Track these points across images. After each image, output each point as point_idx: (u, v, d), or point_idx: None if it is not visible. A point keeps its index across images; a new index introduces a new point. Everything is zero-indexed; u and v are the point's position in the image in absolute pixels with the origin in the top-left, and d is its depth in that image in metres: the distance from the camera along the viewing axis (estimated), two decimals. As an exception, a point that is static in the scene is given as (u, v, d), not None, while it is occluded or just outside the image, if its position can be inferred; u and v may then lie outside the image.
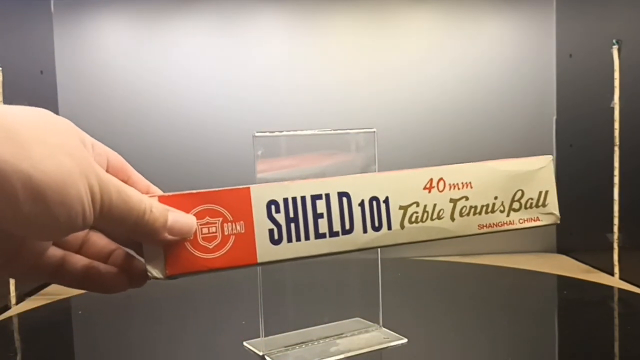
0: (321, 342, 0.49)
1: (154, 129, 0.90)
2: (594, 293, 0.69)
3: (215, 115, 0.91)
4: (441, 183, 0.33)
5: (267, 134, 0.43)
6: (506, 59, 0.94)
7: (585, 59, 0.87)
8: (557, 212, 0.36)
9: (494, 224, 0.34)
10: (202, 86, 0.91)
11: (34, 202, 0.22)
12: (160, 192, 0.30)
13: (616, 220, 0.76)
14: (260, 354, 0.46)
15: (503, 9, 0.95)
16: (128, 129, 0.88)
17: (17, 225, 0.23)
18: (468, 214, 0.33)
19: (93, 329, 0.61)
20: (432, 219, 0.33)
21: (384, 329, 0.51)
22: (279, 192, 0.30)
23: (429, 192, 0.32)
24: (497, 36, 0.95)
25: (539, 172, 0.35)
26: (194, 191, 0.29)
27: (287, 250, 0.30)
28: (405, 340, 0.49)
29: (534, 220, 0.35)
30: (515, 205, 0.34)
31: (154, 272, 0.28)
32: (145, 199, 0.27)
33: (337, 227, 0.31)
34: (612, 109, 0.75)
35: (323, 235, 0.31)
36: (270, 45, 0.93)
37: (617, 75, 0.75)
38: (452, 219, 0.33)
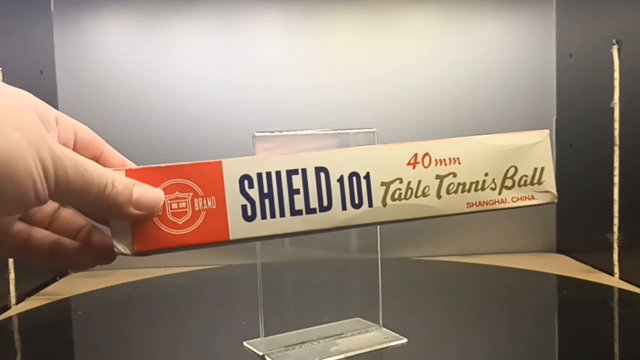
0: (321, 342, 0.49)
1: (153, 129, 0.90)
2: (594, 293, 0.69)
3: (215, 115, 0.91)
4: (427, 158, 0.31)
5: (267, 133, 0.43)
6: (506, 59, 0.94)
7: (585, 58, 0.87)
8: (554, 191, 0.33)
9: (484, 202, 0.32)
10: (202, 86, 0.91)
11: None
12: (132, 166, 0.29)
13: (616, 220, 0.76)
14: (260, 354, 0.46)
15: (503, 9, 0.95)
16: (128, 128, 0.88)
17: None
18: (456, 192, 0.31)
19: (93, 329, 0.61)
20: (416, 196, 0.31)
21: (384, 329, 0.51)
22: (252, 166, 0.29)
23: (414, 167, 0.31)
24: (497, 36, 0.95)
25: (534, 147, 0.33)
26: (163, 165, 0.28)
27: (261, 227, 0.29)
28: (405, 340, 0.49)
29: (529, 199, 0.33)
30: (508, 182, 0.32)
31: (121, 247, 0.27)
32: (106, 172, 0.26)
33: (314, 203, 0.29)
34: (612, 109, 0.75)
35: (299, 212, 0.29)
36: (270, 45, 0.93)
37: (617, 75, 0.75)
38: (439, 196, 0.31)
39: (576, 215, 0.89)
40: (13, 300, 0.70)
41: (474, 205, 0.32)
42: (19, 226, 0.28)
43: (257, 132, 0.43)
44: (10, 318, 0.64)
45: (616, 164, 0.75)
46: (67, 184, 0.24)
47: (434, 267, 0.85)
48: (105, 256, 0.28)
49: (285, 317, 0.53)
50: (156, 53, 0.91)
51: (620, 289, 0.70)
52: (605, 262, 0.78)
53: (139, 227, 0.27)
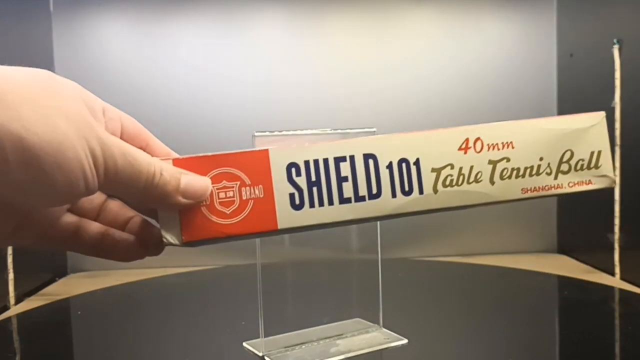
0: (321, 342, 0.49)
1: (153, 128, 0.89)
2: (594, 293, 0.69)
3: (215, 114, 0.91)
4: (478, 143, 0.30)
5: (267, 133, 0.43)
6: (506, 59, 0.94)
7: (586, 58, 0.87)
8: (612, 175, 0.32)
9: (540, 187, 0.31)
10: (202, 85, 0.91)
11: (27, 166, 0.21)
12: (176, 155, 0.28)
13: (617, 221, 0.76)
14: (260, 354, 0.46)
15: (503, 9, 0.95)
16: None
17: (11, 191, 0.22)
18: (510, 177, 0.30)
19: (93, 329, 0.61)
20: (468, 183, 0.30)
21: (384, 329, 0.51)
22: (299, 154, 0.28)
23: (465, 153, 0.30)
24: (498, 35, 0.95)
25: (590, 130, 0.31)
26: (210, 154, 0.27)
27: (310, 216, 0.28)
28: (405, 340, 0.49)
29: (586, 184, 0.32)
30: (564, 167, 0.31)
31: (170, 238, 0.27)
32: (154, 161, 0.26)
33: (363, 191, 0.29)
34: (613, 108, 0.75)
35: (348, 200, 0.28)
36: (270, 44, 0.93)
37: (618, 74, 0.75)
38: (492, 182, 0.30)
39: (577, 216, 0.89)
40: (12, 300, 0.70)
41: (529, 191, 0.31)
42: (68, 218, 0.28)
43: (257, 132, 0.42)
44: (9, 318, 0.64)
45: (617, 163, 0.74)
46: (116, 173, 0.24)
47: (434, 267, 0.85)
48: (153, 247, 0.28)
49: (285, 318, 0.53)
50: (156, 53, 0.90)
51: (621, 290, 0.70)
52: (606, 263, 0.78)
53: (186, 217, 0.27)
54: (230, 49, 0.92)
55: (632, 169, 0.74)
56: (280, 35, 0.93)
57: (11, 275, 0.70)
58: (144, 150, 0.29)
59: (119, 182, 0.24)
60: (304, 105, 0.92)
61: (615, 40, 0.75)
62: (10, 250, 0.70)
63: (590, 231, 0.86)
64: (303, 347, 0.48)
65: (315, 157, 0.28)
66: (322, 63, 0.93)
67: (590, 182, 0.32)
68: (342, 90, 0.92)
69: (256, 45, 0.92)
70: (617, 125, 0.75)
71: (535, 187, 0.31)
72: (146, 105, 0.89)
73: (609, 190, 0.74)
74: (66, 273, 0.88)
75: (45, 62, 0.84)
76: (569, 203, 0.90)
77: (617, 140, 0.74)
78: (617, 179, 0.75)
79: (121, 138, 0.28)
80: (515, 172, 0.30)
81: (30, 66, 0.24)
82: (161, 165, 0.26)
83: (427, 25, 0.94)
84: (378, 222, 0.49)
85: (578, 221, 0.89)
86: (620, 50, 0.75)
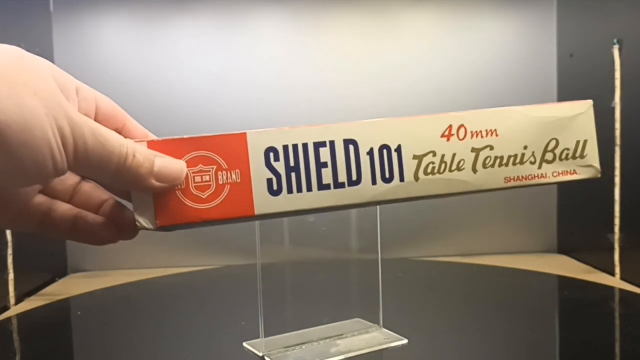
0: (321, 342, 0.48)
1: (153, 128, 0.89)
2: (594, 293, 0.69)
3: (215, 114, 0.91)
4: (462, 130, 0.30)
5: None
6: (506, 59, 0.94)
7: (586, 58, 0.87)
8: (597, 165, 0.31)
9: (523, 177, 0.30)
10: (201, 85, 0.91)
11: None
12: (154, 138, 0.28)
13: (617, 220, 0.76)
14: (260, 354, 0.46)
15: (503, 9, 0.95)
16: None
17: None
18: (493, 165, 0.30)
19: (93, 329, 0.61)
20: (450, 171, 0.29)
21: (384, 329, 0.51)
22: (278, 138, 0.27)
23: (448, 140, 0.29)
24: (498, 36, 0.95)
25: (576, 118, 0.31)
26: (186, 136, 0.27)
27: (287, 201, 0.28)
28: (405, 340, 0.49)
29: (570, 174, 0.31)
30: (549, 156, 0.30)
31: (144, 221, 0.26)
32: (127, 142, 0.25)
33: (342, 177, 0.28)
34: (613, 108, 0.75)
35: (327, 187, 0.28)
36: (269, 43, 0.93)
37: (618, 74, 0.75)
38: (474, 170, 0.29)
39: (577, 216, 0.89)
40: (12, 300, 0.70)
41: (512, 180, 0.30)
42: (40, 198, 0.27)
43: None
44: (9, 318, 0.64)
45: (617, 163, 0.74)
46: (86, 153, 0.23)
47: (434, 267, 0.85)
48: (126, 231, 0.28)
49: (285, 318, 0.53)
50: (156, 53, 0.90)
51: (621, 290, 0.70)
52: (606, 263, 0.78)
53: (161, 201, 0.26)
54: (229, 49, 0.91)
55: (632, 169, 0.74)
56: (280, 36, 0.93)
57: (11, 275, 0.70)
58: (120, 132, 0.28)
59: (90, 162, 0.24)
60: (304, 105, 0.92)
61: (615, 40, 0.75)
62: (10, 250, 0.70)
63: (590, 231, 0.86)
64: (303, 347, 0.48)
65: (295, 142, 0.28)
66: (322, 63, 0.93)
67: (574, 171, 0.31)
68: (342, 91, 0.92)
69: (255, 45, 0.92)
70: (617, 125, 0.75)
71: (518, 177, 0.30)
72: (146, 105, 0.89)
73: (609, 191, 0.74)
74: (66, 273, 0.88)
75: (45, 62, 0.84)
76: (569, 203, 0.90)
77: (617, 140, 0.74)
78: (617, 179, 0.75)
79: (96, 119, 0.27)
80: (498, 161, 0.30)
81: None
82: (134, 147, 0.25)
83: (426, 25, 0.94)
84: (378, 222, 0.49)
85: (578, 221, 0.89)
86: (620, 50, 0.75)
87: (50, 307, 0.68)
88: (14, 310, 0.68)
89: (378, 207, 0.47)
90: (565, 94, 0.92)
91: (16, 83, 0.21)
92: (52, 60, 0.86)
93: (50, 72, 0.24)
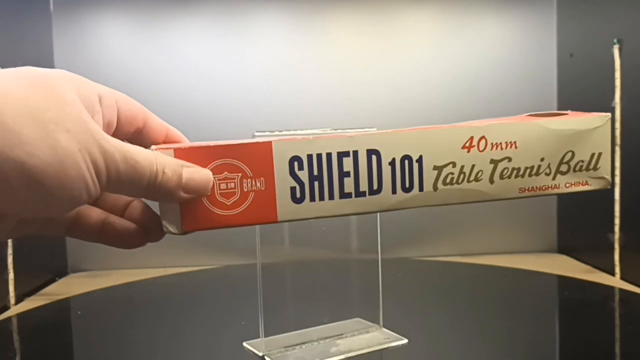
0: (321, 342, 0.48)
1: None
2: (595, 293, 0.69)
3: (215, 115, 0.91)
4: (482, 142, 0.30)
5: (267, 133, 0.43)
6: (506, 59, 0.94)
7: (586, 58, 0.87)
8: (608, 177, 0.32)
9: (537, 187, 0.31)
10: (202, 86, 0.91)
11: (30, 189, 0.21)
12: (179, 135, 0.28)
13: (617, 220, 0.76)
14: (260, 354, 0.46)
15: (503, 9, 0.95)
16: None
17: (15, 210, 0.22)
18: (509, 177, 0.30)
19: (93, 329, 0.61)
20: (468, 181, 0.30)
21: (384, 329, 0.51)
22: (302, 147, 0.28)
23: (468, 151, 0.29)
24: (498, 36, 0.95)
25: (593, 132, 0.31)
26: (212, 144, 0.27)
27: (309, 209, 0.28)
28: (405, 340, 0.49)
29: (582, 185, 0.32)
30: (563, 167, 0.31)
31: (170, 227, 0.27)
32: (156, 159, 0.25)
33: (364, 186, 0.29)
34: (613, 108, 0.75)
35: (348, 195, 0.28)
36: (271, 45, 0.93)
37: (618, 74, 0.75)
38: (491, 181, 0.30)
39: (577, 215, 0.89)
40: (12, 300, 0.70)
41: (527, 191, 0.31)
42: None
43: (257, 132, 0.42)
44: (9, 318, 0.64)
45: (617, 163, 0.74)
46: (118, 178, 0.24)
47: (434, 267, 0.85)
48: (153, 235, 0.28)
49: (285, 318, 0.53)
50: (156, 53, 0.90)
51: (621, 290, 0.70)
52: (606, 263, 0.78)
53: (187, 207, 0.27)
54: (230, 50, 0.91)
55: (632, 169, 0.74)
56: (281, 36, 0.93)
57: (11, 275, 0.70)
58: (141, 131, 0.29)
59: (122, 185, 0.24)
60: (305, 105, 0.92)
61: (615, 40, 0.75)
62: (10, 250, 0.70)
63: (590, 231, 0.86)
64: (303, 347, 0.48)
65: (319, 152, 0.28)
66: (323, 63, 0.93)
67: (586, 183, 0.32)
68: (343, 91, 0.92)
69: (256, 46, 0.92)
70: (617, 125, 0.75)
71: (533, 187, 0.31)
72: (145, 105, 0.89)
73: (609, 191, 0.74)
74: (66, 273, 0.88)
75: (45, 62, 0.84)
76: (569, 203, 0.90)
77: (617, 140, 0.74)
78: (617, 179, 0.75)
79: (118, 123, 0.28)
80: (515, 172, 0.30)
81: (31, 65, 0.24)
82: (163, 162, 0.25)
83: (427, 26, 0.94)
84: (378, 222, 0.49)
85: (578, 221, 0.89)
86: (620, 50, 0.75)
87: (50, 307, 0.68)
88: (14, 310, 0.68)
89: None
90: (565, 94, 0.92)
91: (47, 121, 0.21)
92: (52, 60, 0.87)
93: (74, 89, 0.24)
